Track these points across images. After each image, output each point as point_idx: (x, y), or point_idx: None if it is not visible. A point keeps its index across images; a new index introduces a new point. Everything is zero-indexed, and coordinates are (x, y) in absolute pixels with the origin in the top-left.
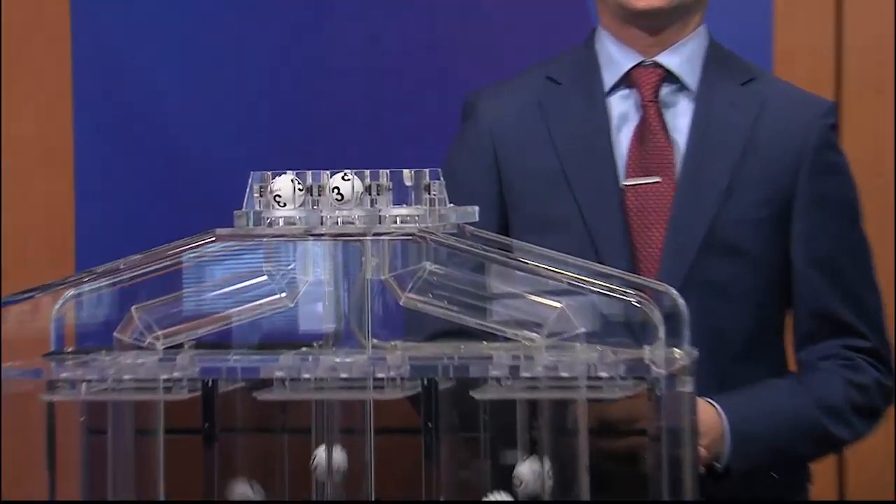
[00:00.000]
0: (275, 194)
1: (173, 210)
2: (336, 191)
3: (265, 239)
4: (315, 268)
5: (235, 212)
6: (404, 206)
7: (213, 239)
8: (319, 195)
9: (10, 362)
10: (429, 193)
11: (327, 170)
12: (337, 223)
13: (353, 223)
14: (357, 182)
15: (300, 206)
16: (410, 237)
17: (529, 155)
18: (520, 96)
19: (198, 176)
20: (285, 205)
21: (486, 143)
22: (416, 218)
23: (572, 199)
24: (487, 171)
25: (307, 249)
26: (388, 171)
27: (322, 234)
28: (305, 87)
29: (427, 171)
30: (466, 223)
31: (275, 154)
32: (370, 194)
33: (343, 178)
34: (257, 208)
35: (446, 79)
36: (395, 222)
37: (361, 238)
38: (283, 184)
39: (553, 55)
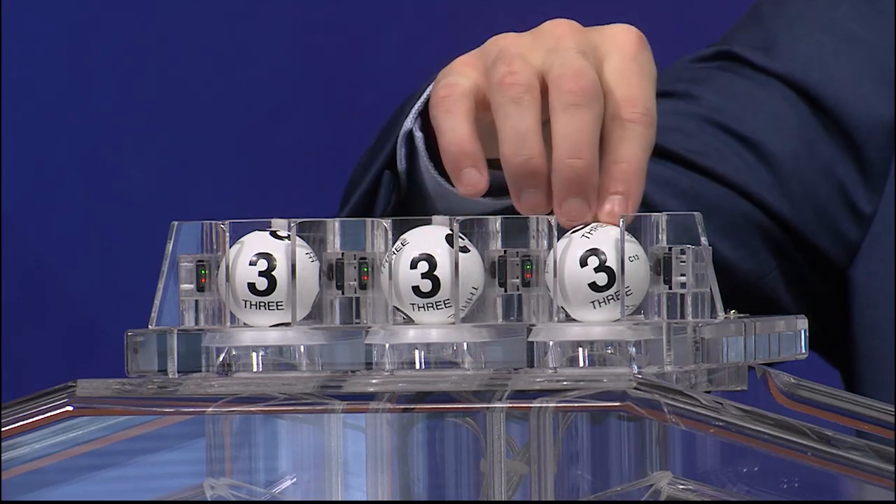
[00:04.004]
0: (246, 281)
1: None
2: (417, 266)
3: (209, 411)
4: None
5: (129, 333)
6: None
7: (66, 411)
8: (364, 282)
9: None
10: (666, 275)
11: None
12: (417, 363)
13: (457, 364)
14: (472, 257)
15: (305, 319)
16: (618, 408)
17: None
18: None
19: None
20: (269, 306)
21: None
22: (635, 351)
23: None
24: None
25: (329, 434)
26: (549, 217)
27: (371, 398)
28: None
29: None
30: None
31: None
32: (499, 281)
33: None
34: (191, 324)
35: None
36: (586, 362)
37: (479, 408)
38: (264, 246)
39: None
